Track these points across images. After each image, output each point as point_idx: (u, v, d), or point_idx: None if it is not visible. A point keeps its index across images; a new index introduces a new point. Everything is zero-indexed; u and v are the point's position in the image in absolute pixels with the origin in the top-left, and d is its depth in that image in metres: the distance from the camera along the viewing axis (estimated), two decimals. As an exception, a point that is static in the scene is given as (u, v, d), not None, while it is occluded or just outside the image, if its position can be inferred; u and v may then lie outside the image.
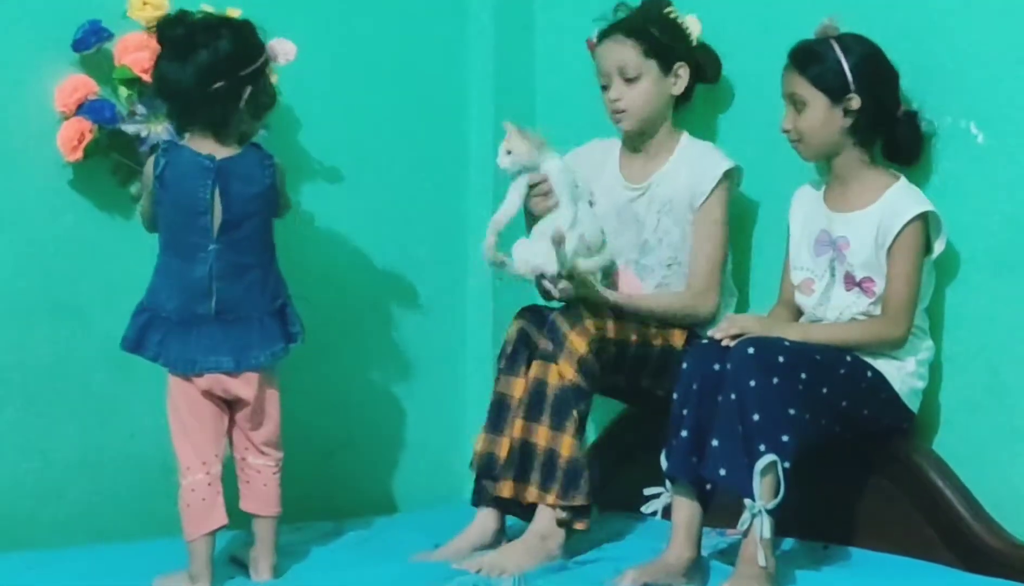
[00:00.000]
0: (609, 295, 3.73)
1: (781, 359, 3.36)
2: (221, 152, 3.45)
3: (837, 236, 3.60)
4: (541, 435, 3.62)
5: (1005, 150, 3.54)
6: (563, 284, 3.61)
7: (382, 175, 4.24)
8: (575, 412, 3.60)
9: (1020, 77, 3.52)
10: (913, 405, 3.57)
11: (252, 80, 3.46)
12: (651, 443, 3.58)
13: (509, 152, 3.65)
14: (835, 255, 3.61)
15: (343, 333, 4.16)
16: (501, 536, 3.72)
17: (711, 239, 3.82)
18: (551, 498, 3.59)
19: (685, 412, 3.43)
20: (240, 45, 3.45)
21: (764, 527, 3.28)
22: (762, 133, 3.84)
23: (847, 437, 3.52)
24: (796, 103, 3.58)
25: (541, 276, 3.62)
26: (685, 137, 3.91)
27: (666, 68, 3.87)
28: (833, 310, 3.60)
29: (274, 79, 3.76)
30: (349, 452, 4.19)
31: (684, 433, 3.43)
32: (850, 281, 3.59)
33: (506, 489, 3.65)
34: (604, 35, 3.90)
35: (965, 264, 3.61)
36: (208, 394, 3.48)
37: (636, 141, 3.92)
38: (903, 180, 3.58)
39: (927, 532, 3.54)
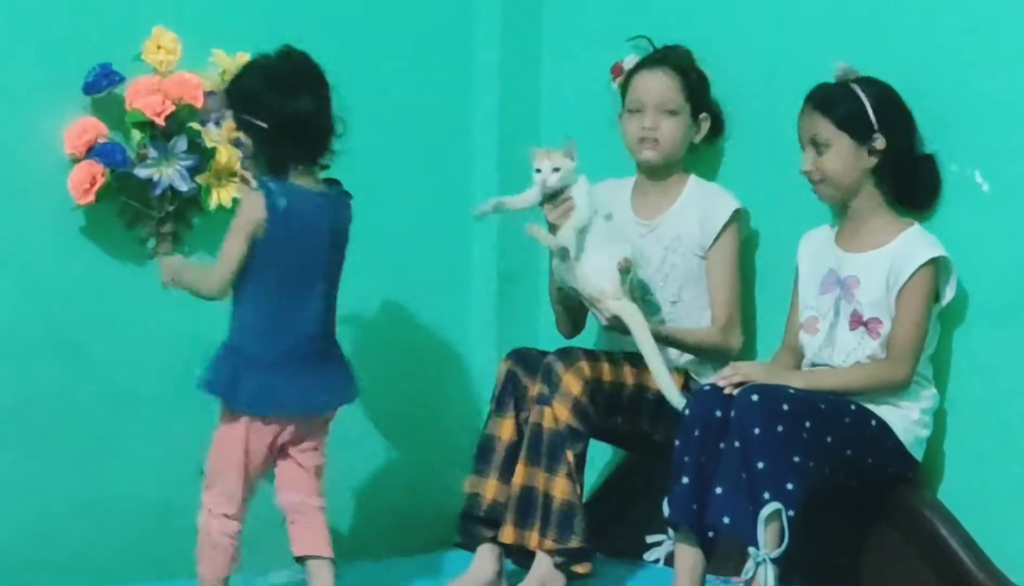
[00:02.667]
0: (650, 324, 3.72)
1: (786, 407, 3.35)
2: (317, 187, 3.45)
3: (846, 276, 3.60)
4: (539, 479, 3.62)
5: (1011, 198, 3.55)
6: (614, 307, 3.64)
7: (386, 217, 4.21)
8: (569, 454, 3.61)
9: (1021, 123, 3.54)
10: (918, 454, 3.57)
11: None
12: (652, 489, 3.58)
13: (557, 169, 3.66)
14: (842, 293, 3.61)
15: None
16: (500, 579, 3.72)
17: (727, 277, 3.87)
18: (548, 542, 3.59)
19: (687, 459, 3.43)
20: (321, 71, 3.47)
21: (768, 576, 3.27)
22: (765, 177, 3.88)
23: (852, 485, 3.51)
24: (818, 145, 3.59)
25: (595, 300, 3.66)
26: (693, 179, 3.96)
27: (695, 113, 3.93)
28: (839, 353, 3.60)
29: None
30: (347, 495, 4.16)
31: (686, 480, 3.42)
32: (856, 321, 3.58)
33: (508, 535, 3.65)
34: (647, 64, 3.95)
35: (971, 311, 3.61)
36: (273, 440, 3.45)
37: (651, 176, 3.95)
38: (917, 226, 3.59)
39: (931, 582, 3.53)
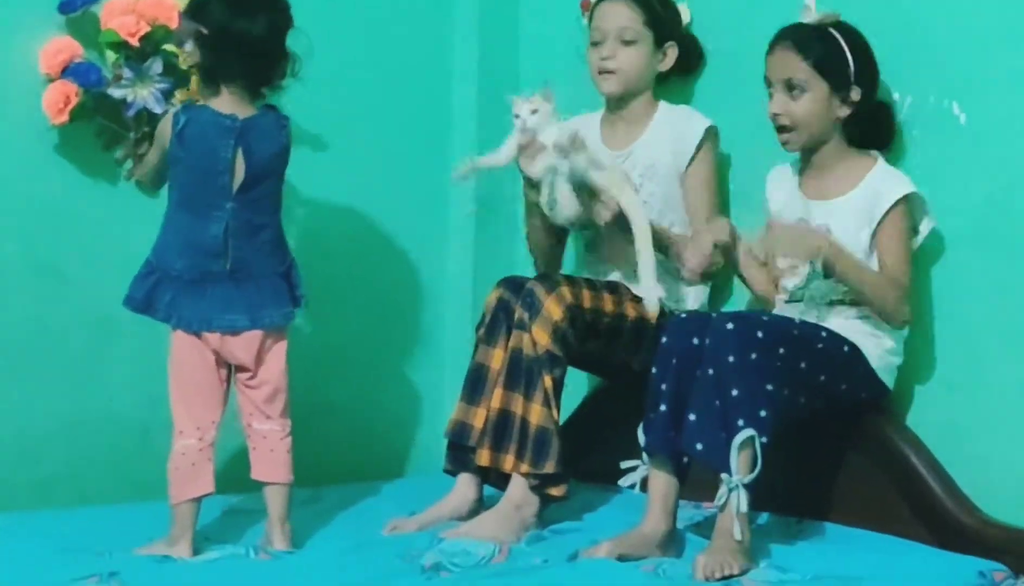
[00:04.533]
0: (633, 210, 3.70)
1: (760, 334, 3.36)
2: (242, 112, 3.45)
3: (817, 225, 3.57)
4: (517, 404, 3.64)
5: (987, 130, 3.55)
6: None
7: (365, 145, 4.24)
8: (547, 378, 3.62)
9: (1002, 56, 3.53)
10: (889, 381, 3.59)
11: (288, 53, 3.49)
12: (629, 416, 3.59)
13: (535, 111, 3.64)
14: None
15: (323, 302, 4.16)
16: (479, 505, 3.74)
17: (706, 196, 3.87)
18: (524, 466, 3.61)
19: (664, 387, 3.44)
20: (287, 11, 3.49)
21: (741, 501, 3.29)
22: (743, 110, 3.85)
23: (823, 412, 3.53)
24: (792, 87, 3.53)
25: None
26: (662, 105, 3.96)
27: (659, 42, 3.92)
28: (816, 292, 3.59)
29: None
30: (327, 419, 4.20)
31: (663, 407, 3.43)
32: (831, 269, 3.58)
33: (484, 458, 3.67)
34: None
35: (944, 243, 3.62)
36: (215, 356, 3.48)
37: (616, 107, 3.95)
38: (881, 162, 3.58)
39: (900, 508, 3.56)
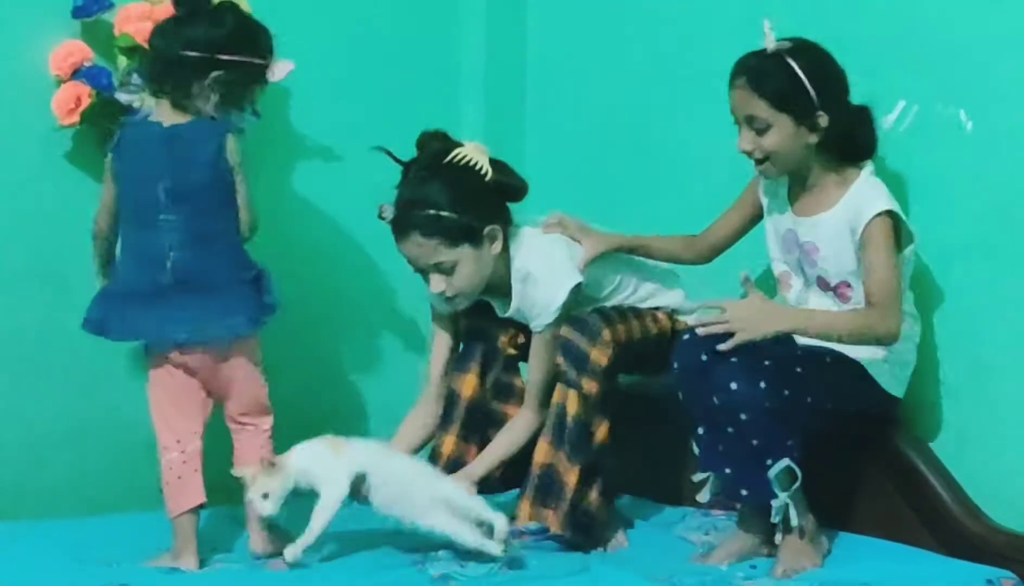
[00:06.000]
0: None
1: (763, 385, 3.36)
2: (172, 119, 3.45)
3: (804, 241, 3.56)
4: (561, 463, 3.59)
5: (992, 137, 3.55)
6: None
7: (371, 155, 4.21)
8: (603, 427, 3.59)
9: (1009, 63, 3.53)
10: (898, 392, 3.59)
11: (225, 67, 3.46)
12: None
13: (266, 496, 3.35)
14: (802, 257, 3.58)
15: (329, 309, 4.17)
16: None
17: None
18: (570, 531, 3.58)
19: (694, 407, 3.47)
20: (236, 34, 3.49)
21: (792, 515, 3.38)
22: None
23: (836, 431, 3.56)
24: (755, 124, 3.45)
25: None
26: None
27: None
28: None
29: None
30: (330, 425, 4.16)
31: (701, 430, 3.47)
32: (824, 285, 3.57)
33: (525, 512, 3.58)
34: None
35: (950, 250, 3.62)
36: (183, 367, 3.47)
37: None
38: (864, 174, 3.51)
39: (908, 516, 3.58)
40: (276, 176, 4.06)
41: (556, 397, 3.60)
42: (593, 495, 3.58)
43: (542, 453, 3.59)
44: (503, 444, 3.67)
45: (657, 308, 3.78)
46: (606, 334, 3.60)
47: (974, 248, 3.60)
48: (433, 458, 3.71)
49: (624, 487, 3.77)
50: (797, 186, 3.58)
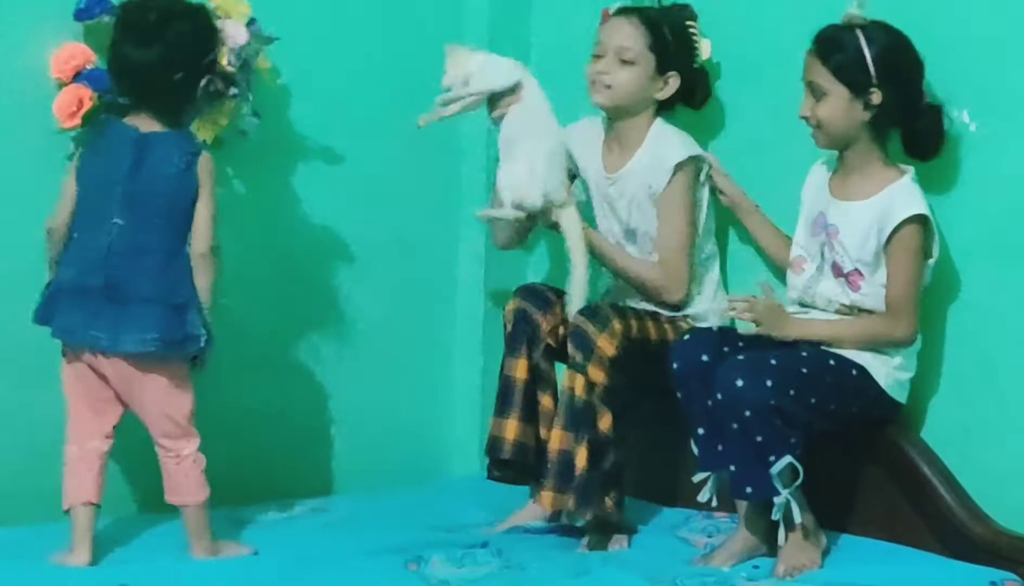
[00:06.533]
0: (593, 236, 3.77)
1: (769, 383, 3.40)
2: (148, 126, 3.45)
3: (831, 223, 3.61)
4: (571, 445, 3.65)
5: (999, 139, 3.56)
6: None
7: (375, 156, 4.22)
8: (607, 417, 3.63)
9: (1013, 65, 3.54)
10: (900, 397, 3.60)
11: (209, 69, 3.49)
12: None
13: (466, 83, 3.69)
14: (825, 241, 3.62)
15: (334, 312, 4.16)
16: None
17: (675, 223, 3.81)
18: (588, 512, 3.64)
19: (694, 409, 3.51)
20: (200, 33, 3.49)
21: (794, 512, 3.41)
22: (752, 120, 3.91)
23: (835, 433, 3.57)
24: (815, 91, 3.56)
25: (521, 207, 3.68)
26: (656, 126, 3.88)
27: (660, 69, 3.86)
28: (821, 298, 3.62)
29: (266, 64, 3.77)
30: (336, 428, 4.19)
31: (701, 430, 3.51)
32: (838, 271, 3.60)
33: (547, 500, 3.68)
34: (620, 11, 3.90)
35: (955, 253, 3.62)
36: (95, 370, 3.45)
37: (611, 127, 3.91)
38: (907, 178, 3.56)
39: (912, 518, 3.58)
40: (277, 177, 4.05)
41: (565, 382, 3.67)
42: (603, 479, 3.63)
43: (556, 440, 3.67)
44: (630, 258, 3.83)
45: (678, 316, 3.82)
46: (616, 325, 3.66)
47: (980, 251, 3.61)
48: (497, 446, 3.76)
49: (627, 488, 3.75)
50: (840, 169, 3.64)
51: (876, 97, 3.52)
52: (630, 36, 3.84)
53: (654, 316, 3.79)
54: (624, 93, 3.85)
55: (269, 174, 4.03)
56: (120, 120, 3.48)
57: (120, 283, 3.40)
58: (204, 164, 3.46)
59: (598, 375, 3.63)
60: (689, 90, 3.92)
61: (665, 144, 3.84)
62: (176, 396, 3.46)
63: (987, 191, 3.58)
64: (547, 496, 3.67)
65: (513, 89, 3.76)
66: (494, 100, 3.76)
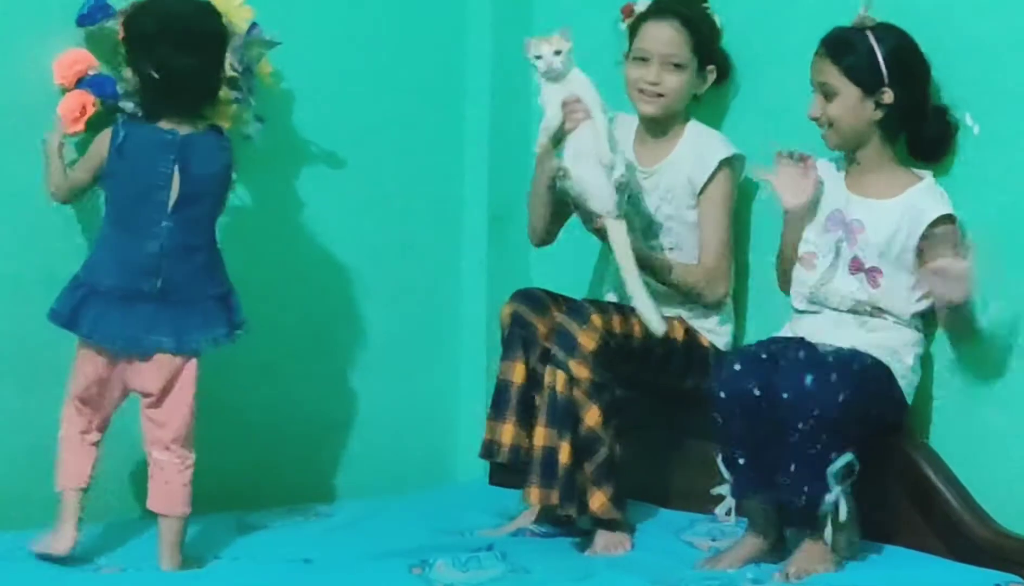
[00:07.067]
0: (640, 250, 3.75)
1: (834, 378, 3.41)
2: (184, 129, 3.47)
3: (852, 219, 3.61)
4: (555, 442, 3.65)
5: (1001, 141, 3.56)
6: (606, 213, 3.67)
7: (378, 160, 4.23)
8: (594, 410, 3.63)
9: (1015, 67, 3.54)
10: (909, 398, 3.60)
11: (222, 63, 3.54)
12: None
13: (559, 52, 3.65)
14: (844, 235, 3.62)
15: (339, 317, 4.17)
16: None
17: (718, 222, 3.84)
18: (571, 509, 3.66)
19: (735, 437, 3.50)
20: (227, 36, 3.53)
21: (841, 509, 3.41)
22: (767, 122, 3.88)
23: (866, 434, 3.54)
24: (826, 92, 3.57)
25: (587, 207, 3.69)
26: (691, 126, 3.92)
27: (701, 67, 3.89)
28: (835, 295, 3.62)
29: (268, 69, 3.78)
30: (339, 433, 4.20)
31: (741, 461, 3.51)
32: (856, 266, 3.59)
33: (535, 496, 3.68)
34: (657, 14, 3.88)
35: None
36: (120, 381, 3.48)
37: (652, 127, 3.93)
38: (929, 180, 3.58)
39: (917, 520, 3.58)
40: (279, 181, 4.06)
41: (547, 378, 3.67)
42: (595, 473, 3.64)
43: (540, 437, 3.67)
44: (676, 264, 3.82)
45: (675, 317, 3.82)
46: (595, 319, 3.66)
47: (985, 253, 3.54)
48: (493, 449, 3.76)
49: (631, 492, 3.75)
50: (854, 168, 3.65)
51: (888, 96, 3.54)
52: (675, 42, 3.85)
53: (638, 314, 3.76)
54: (676, 99, 3.87)
55: (271, 178, 4.03)
56: (145, 123, 3.48)
57: (178, 285, 3.44)
58: (231, 157, 3.54)
59: (581, 371, 3.63)
60: (720, 75, 3.94)
61: (707, 141, 3.88)
62: (193, 396, 3.49)
63: (988, 193, 3.57)
64: (534, 492, 3.67)
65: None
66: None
